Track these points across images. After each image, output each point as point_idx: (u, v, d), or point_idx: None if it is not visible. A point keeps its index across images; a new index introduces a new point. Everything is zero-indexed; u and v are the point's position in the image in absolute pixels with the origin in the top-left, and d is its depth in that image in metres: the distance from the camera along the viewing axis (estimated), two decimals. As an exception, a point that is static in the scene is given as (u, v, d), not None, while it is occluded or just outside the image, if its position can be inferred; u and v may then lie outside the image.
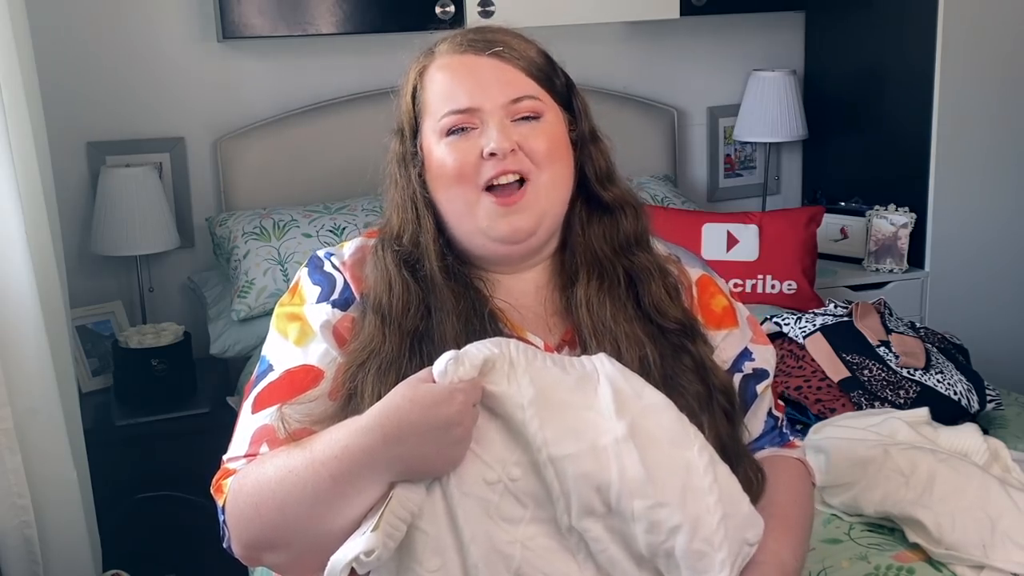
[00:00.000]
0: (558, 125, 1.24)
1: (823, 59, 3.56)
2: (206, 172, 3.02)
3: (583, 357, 1.15)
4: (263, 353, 1.26)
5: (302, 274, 1.28)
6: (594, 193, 1.28)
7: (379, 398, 1.10)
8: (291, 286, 1.29)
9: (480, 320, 1.20)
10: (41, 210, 2.22)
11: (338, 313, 1.23)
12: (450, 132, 1.21)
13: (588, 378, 1.11)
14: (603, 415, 1.07)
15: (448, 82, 1.23)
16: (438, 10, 2.86)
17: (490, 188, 1.20)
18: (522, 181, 1.20)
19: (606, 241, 1.27)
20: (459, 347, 1.10)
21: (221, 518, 1.16)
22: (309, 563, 1.10)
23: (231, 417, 2.94)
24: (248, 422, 1.20)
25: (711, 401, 1.22)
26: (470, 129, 1.21)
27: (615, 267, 1.26)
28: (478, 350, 1.07)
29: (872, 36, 3.34)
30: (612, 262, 1.26)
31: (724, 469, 1.13)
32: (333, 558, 1.04)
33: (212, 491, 1.19)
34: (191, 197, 3.00)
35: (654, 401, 1.11)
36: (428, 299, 1.20)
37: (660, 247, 1.33)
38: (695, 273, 1.34)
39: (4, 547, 2.15)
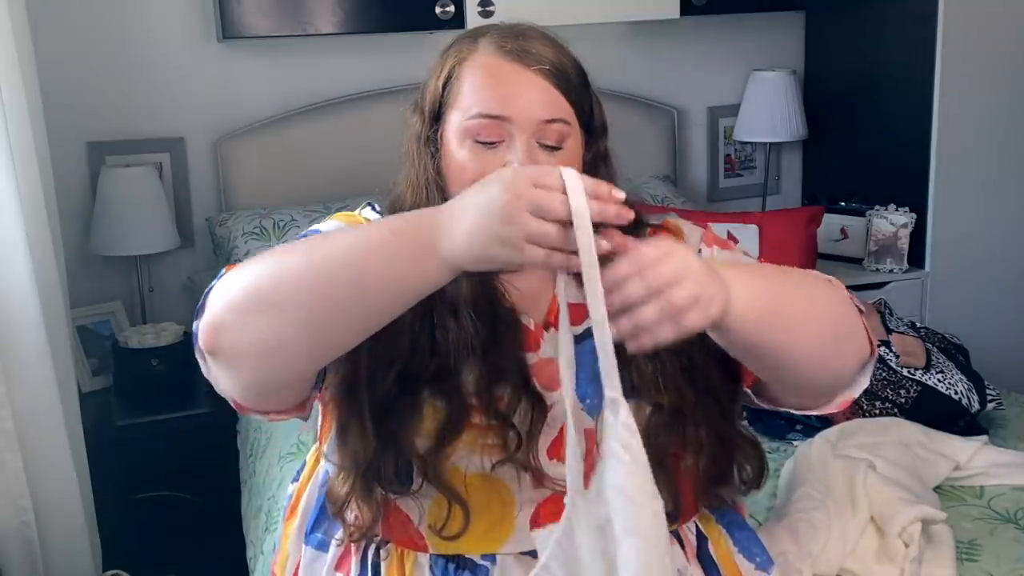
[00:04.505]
0: (576, 150, 1.23)
1: (823, 59, 3.56)
2: (206, 172, 3.02)
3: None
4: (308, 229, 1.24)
5: (360, 208, 1.31)
6: None
7: (374, 359, 1.13)
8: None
9: (489, 288, 1.20)
10: (41, 210, 2.22)
11: None
12: (476, 140, 1.19)
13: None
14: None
15: (486, 83, 1.20)
16: (438, 10, 2.86)
17: None
18: None
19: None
20: (473, 310, 1.15)
21: (211, 284, 1.08)
22: (286, 348, 1.03)
23: (231, 417, 2.93)
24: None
25: (701, 401, 1.20)
26: (498, 143, 1.18)
27: None
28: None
29: (872, 36, 3.34)
30: None
31: None
32: None
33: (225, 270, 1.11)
34: (191, 197, 3.00)
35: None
36: None
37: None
38: (696, 232, 1.32)
39: (4, 547, 2.15)
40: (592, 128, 1.27)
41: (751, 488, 1.29)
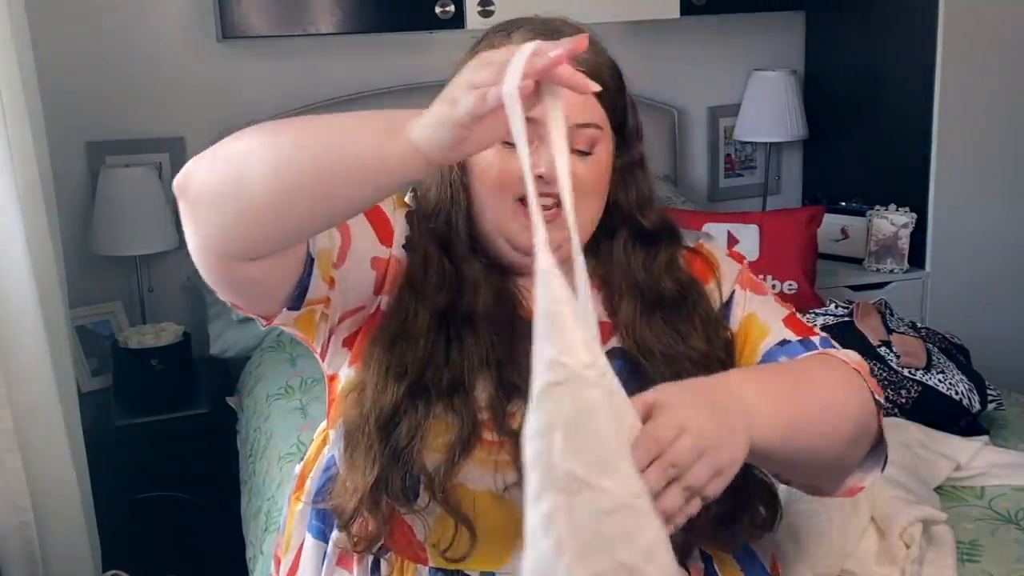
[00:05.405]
0: (606, 156, 1.20)
1: (823, 59, 3.56)
2: (206, 172, 3.01)
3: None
4: None
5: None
6: (635, 219, 1.25)
7: (386, 368, 1.13)
8: None
9: (507, 298, 1.19)
10: (41, 210, 2.22)
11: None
12: (504, 141, 1.09)
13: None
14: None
15: None
16: (438, 10, 2.86)
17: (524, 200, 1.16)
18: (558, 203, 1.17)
19: (647, 270, 1.24)
20: (489, 324, 1.13)
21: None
22: (247, 201, 1.03)
23: (231, 417, 2.93)
24: None
25: None
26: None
27: (658, 292, 1.23)
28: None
29: (872, 36, 3.34)
30: (655, 289, 1.23)
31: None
32: None
33: None
34: (191, 197, 3.00)
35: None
36: (459, 277, 1.19)
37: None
38: (733, 268, 1.30)
39: (4, 547, 2.14)
40: (625, 132, 1.23)
41: (763, 531, 1.27)
